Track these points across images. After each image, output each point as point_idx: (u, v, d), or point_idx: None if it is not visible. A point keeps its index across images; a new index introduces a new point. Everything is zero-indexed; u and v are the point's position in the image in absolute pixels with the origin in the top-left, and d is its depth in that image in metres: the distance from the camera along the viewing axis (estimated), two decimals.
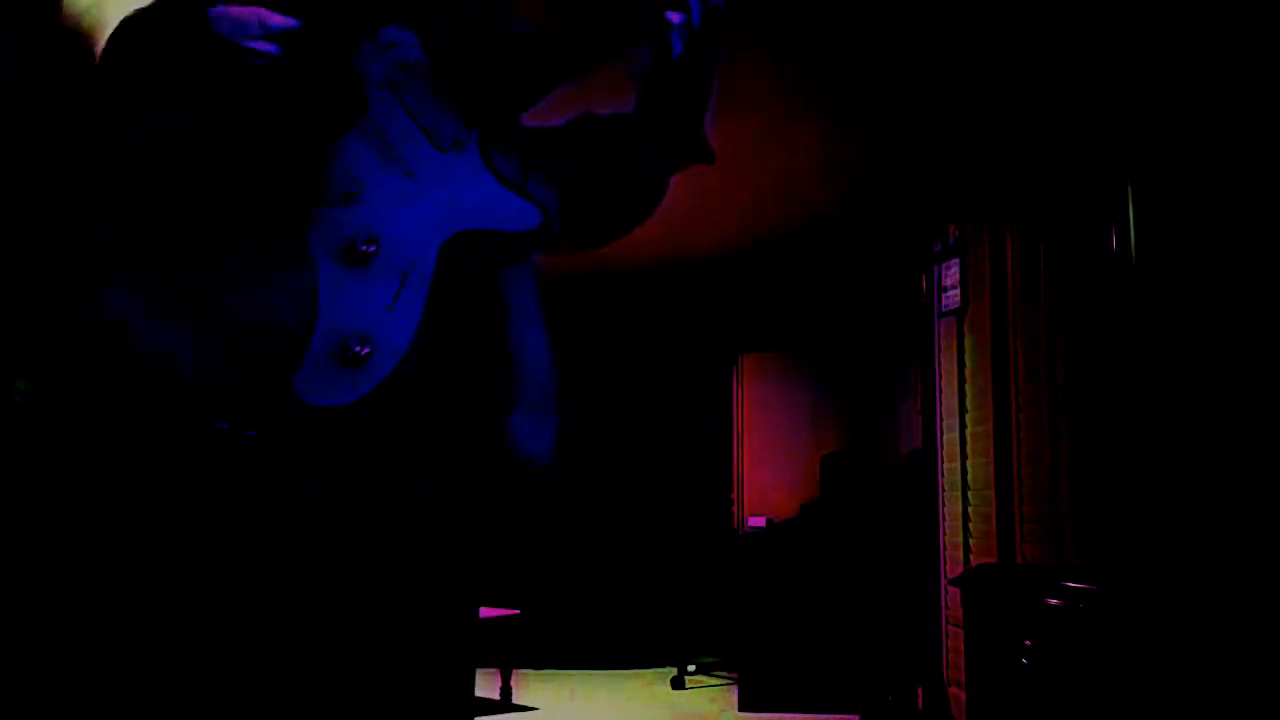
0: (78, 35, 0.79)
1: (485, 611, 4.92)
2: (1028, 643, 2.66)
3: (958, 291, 4.14)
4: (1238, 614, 2.20)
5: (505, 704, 4.98)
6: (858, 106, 3.86)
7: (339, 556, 0.87)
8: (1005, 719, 2.83)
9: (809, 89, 3.73)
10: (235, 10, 0.81)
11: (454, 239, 0.88)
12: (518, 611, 4.98)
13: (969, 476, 3.99)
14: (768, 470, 6.14)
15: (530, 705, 5.10)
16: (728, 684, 5.67)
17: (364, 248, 0.84)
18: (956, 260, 4.17)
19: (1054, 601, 2.54)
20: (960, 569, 3.92)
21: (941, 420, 4.34)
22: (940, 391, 4.36)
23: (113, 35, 0.77)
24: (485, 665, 5.21)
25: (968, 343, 4.08)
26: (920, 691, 4.10)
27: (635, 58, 1.06)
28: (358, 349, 0.81)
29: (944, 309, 4.29)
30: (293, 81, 0.81)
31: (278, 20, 0.82)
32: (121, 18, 0.77)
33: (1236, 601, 2.23)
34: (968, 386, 4.07)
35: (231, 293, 0.80)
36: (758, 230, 5.33)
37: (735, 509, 6.21)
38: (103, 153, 0.79)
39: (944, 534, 4.27)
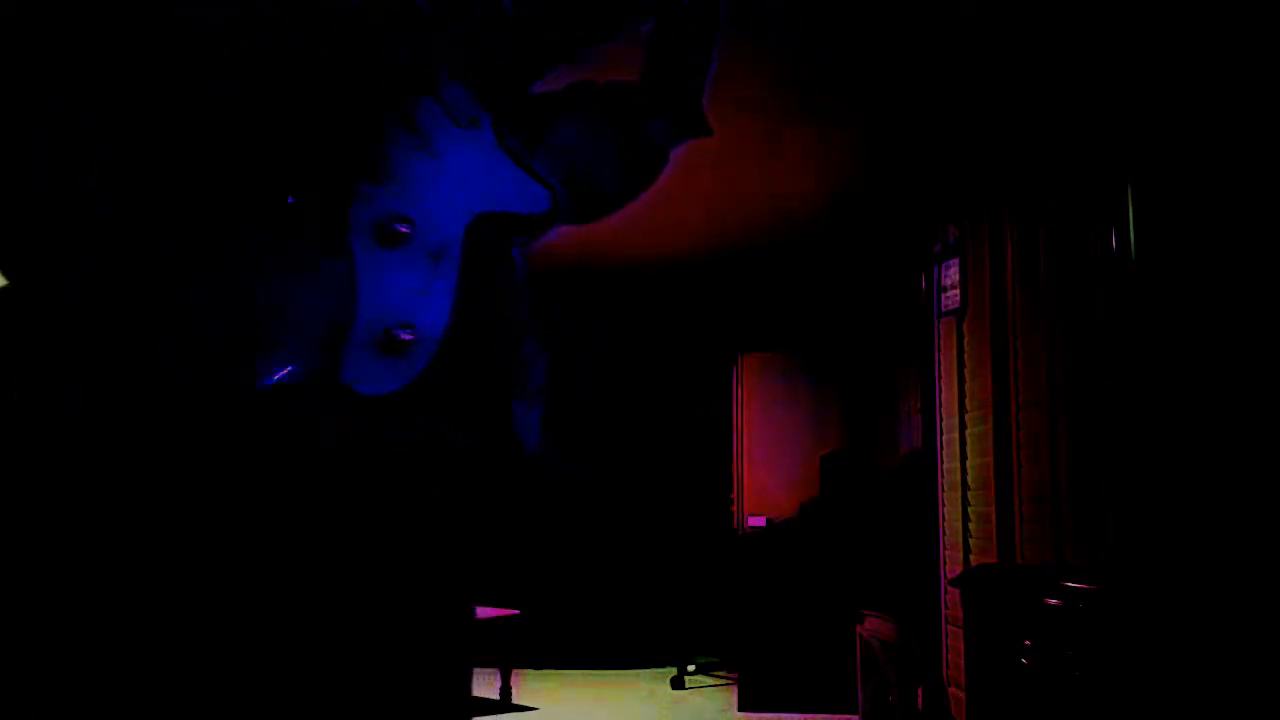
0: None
1: (485, 611, 4.92)
2: (1028, 643, 2.66)
3: (957, 292, 4.14)
4: (1237, 614, 2.20)
5: (505, 704, 4.98)
6: (858, 107, 3.85)
7: (355, 550, 0.86)
8: (1005, 719, 2.83)
9: (809, 89, 3.73)
10: None
11: (476, 221, 0.87)
12: (518, 611, 4.98)
13: (969, 476, 3.99)
14: (768, 470, 6.14)
15: (530, 705, 5.10)
16: (728, 684, 5.67)
17: (398, 228, 0.82)
18: (956, 260, 4.17)
19: (1054, 601, 2.54)
20: (960, 569, 3.92)
21: (941, 420, 4.34)
22: (940, 391, 4.36)
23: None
24: (485, 665, 5.21)
25: (967, 343, 4.08)
26: (920, 691, 4.10)
27: (640, 30, 1.06)
28: (402, 335, 0.80)
29: (944, 309, 4.29)
30: (333, 61, 0.80)
31: None
32: None
33: (1236, 602, 2.23)
34: (967, 386, 4.06)
35: (269, 278, 0.78)
36: (758, 230, 5.33)
37: (735, 509, 6.21)
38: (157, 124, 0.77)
39: (944, 534, 4.27)
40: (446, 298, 0.83)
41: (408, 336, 0.80)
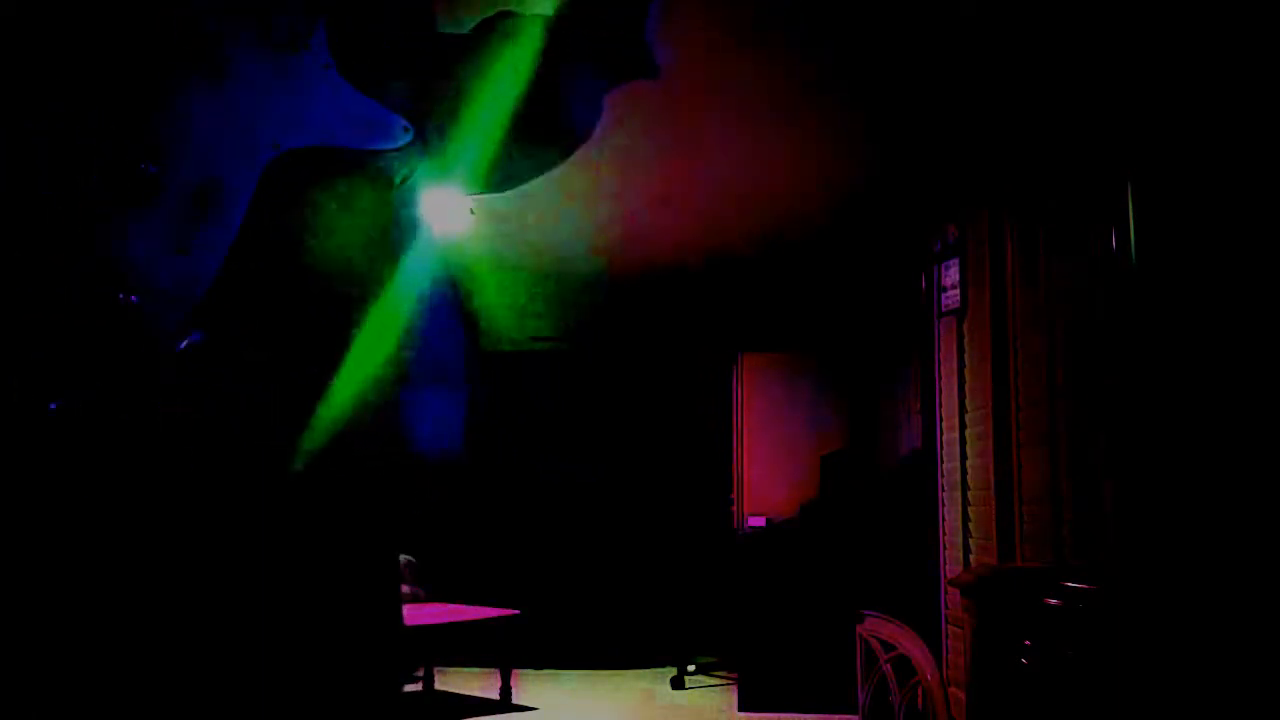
0: None
1: (485, 611, 4.92)
2: (1028, 643, 2.66)
3: (957, 291, 4.14)
4: (1238, 614, 2.20)
5: (505, 704, 4.98)
6: (858, 106, 3.86)
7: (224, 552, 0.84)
8: (1005, 719, 2.83)
9: (810, 89, 3.73)
10: None
11: (286, 158, 0.80)
12: (518, 611, 4.98)
13: (969, 476, 3.99)
14: (768, 470, 6.14)
15: (530, 705, 5.10)
16: (728, 684, 5.68)
17: (147, 167, 0.74)
18: (956, 260, 4.17)
19: (1054, 601, 2.54)
20: (960, 569, 3.92)
21: (941, 420, 4.34)
22: (940, 391, 4.36)
23: None
24: (485, 665, 5.21)
25: (967, 343, 4.08)
26: (920, 691, 4.10)
27: None
28: (130, 300, 0.73)
29: (944, 309, 4.29)
30: None
31: None
32: None
33: (1236, 602, 2.23)
34: (967, 386, 4.06)
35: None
36: (758, 230, 5.33)
37: (735, 509, 6.21)
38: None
39: (944, 534, 4.27)
40: (209, 255, 0.77)
41: (134, 300, 0.75)
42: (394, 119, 0.77)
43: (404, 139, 0.77)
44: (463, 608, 5.08)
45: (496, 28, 1.01)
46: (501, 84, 1.00)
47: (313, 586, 0.76)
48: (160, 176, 0.67)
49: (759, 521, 5.69)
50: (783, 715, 4.86)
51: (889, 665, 4.00)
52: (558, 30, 1.00)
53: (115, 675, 0.70)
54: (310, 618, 0.76)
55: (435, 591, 5.51)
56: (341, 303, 0.82)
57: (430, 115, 0.86)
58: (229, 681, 0.73)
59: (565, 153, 1.07)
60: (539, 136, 1.04)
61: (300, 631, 0.75)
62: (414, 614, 4.70)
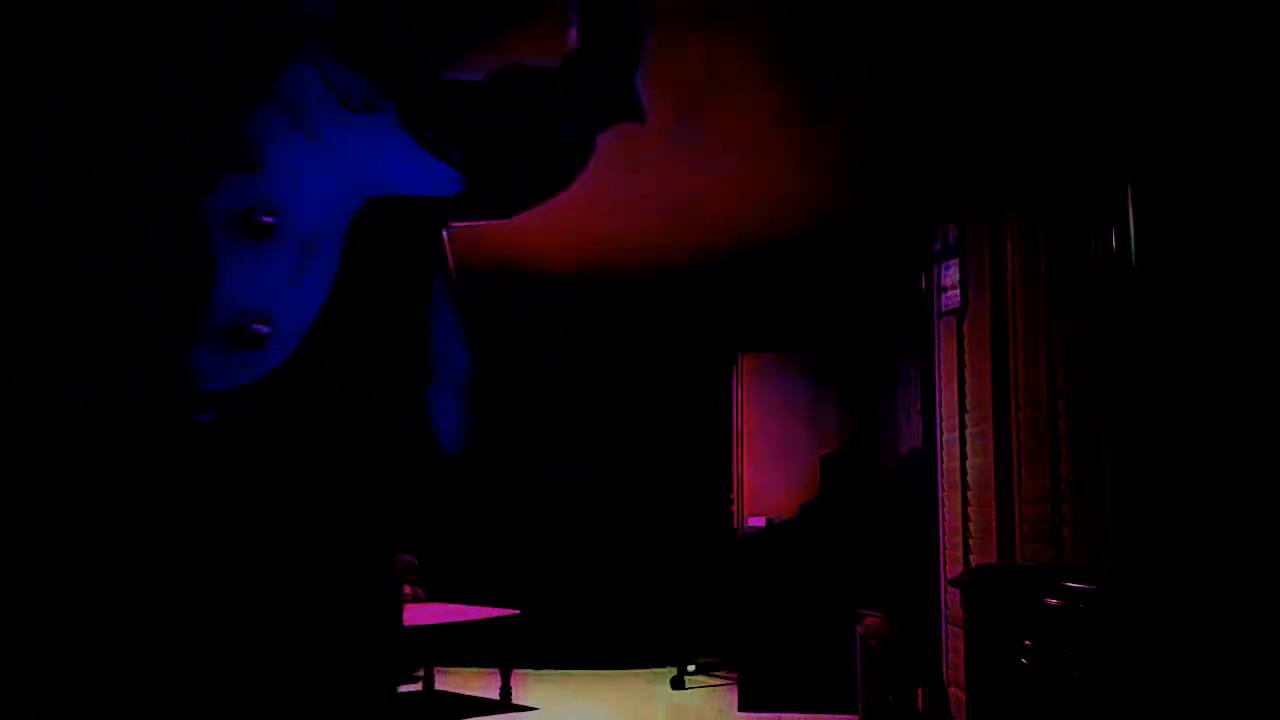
0: None
1: (485, 611, 4.92)
2: (1028, 643, 2.66)
3: (958, 291, 4.14)
4: (1239, 613, 2.20)
5: (505, 704, 4.98)
6: (858, 106, 3.86)
7: (240, 549, 0.82)
8: (1005, 719, 2.83)
9: (809, 89, 3.73)
10: None
11: (368, 206, 0.83)
12: (518, 611, 4.98)
13: (969, 476, 3.99)
14: (768, 470, 6.14)
15: (530, 705, 5.10)
16: (728, 684, 5.68)
17: (264, 218, 0.78)
18: (956, 260, 4.17)
19: (1054, 601, 2.54)
20: (960, 569, 3.92)
21: (941, 420, 4.34)
22: (940, 391, 4.36)
23: None
24: (485, 665, 5.21)
25: (968, 343, 4.08)
26: (920, 691, 4.10)
27: (564, 9, 1.00)
28: (258, 328, 0.76)
29: (944, 309, 4.29)
30: (196, 44, 0.76)
31: None
32: None
33: (1237, 601, 2.23)
34: (967, 386, 4.07)
35: (115, 269, 0.74)
36: (758, 230, 5.33)
37: (735, 509, 6.21)
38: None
39: (944, 534, 4.27)
40: (319, 287, 0.79)
41: (265, 330, 0.76)
42: (450, 172, 0.79)
43: (457, 188, 0.79)
44: (463, 608, 5.08)
45: (511, 79, 1.04)
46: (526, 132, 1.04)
47: (313, 587, 0.76)
48: (276, 225, 0.69)
49: (759, 522, 5.69)
50: (783, 715, 4.86)
51: (889, 665, 4.00)
52: (558, 80, 1.02)
53: (115, 675, 0.70)
54: (310, 618, 0.76)
55: (435, 591, 5.51)
56: (405, 325, 0.85)
57: (475, 168, 0.89)
58: (228, 681, 0.73)
59: (569, 183, 1.09)
60: (550, 175, 1.06)
61: (300, 632, 0.76)
62: (414, 614, 4.70)
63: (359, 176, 0.83)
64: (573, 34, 1.04)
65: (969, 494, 3.98)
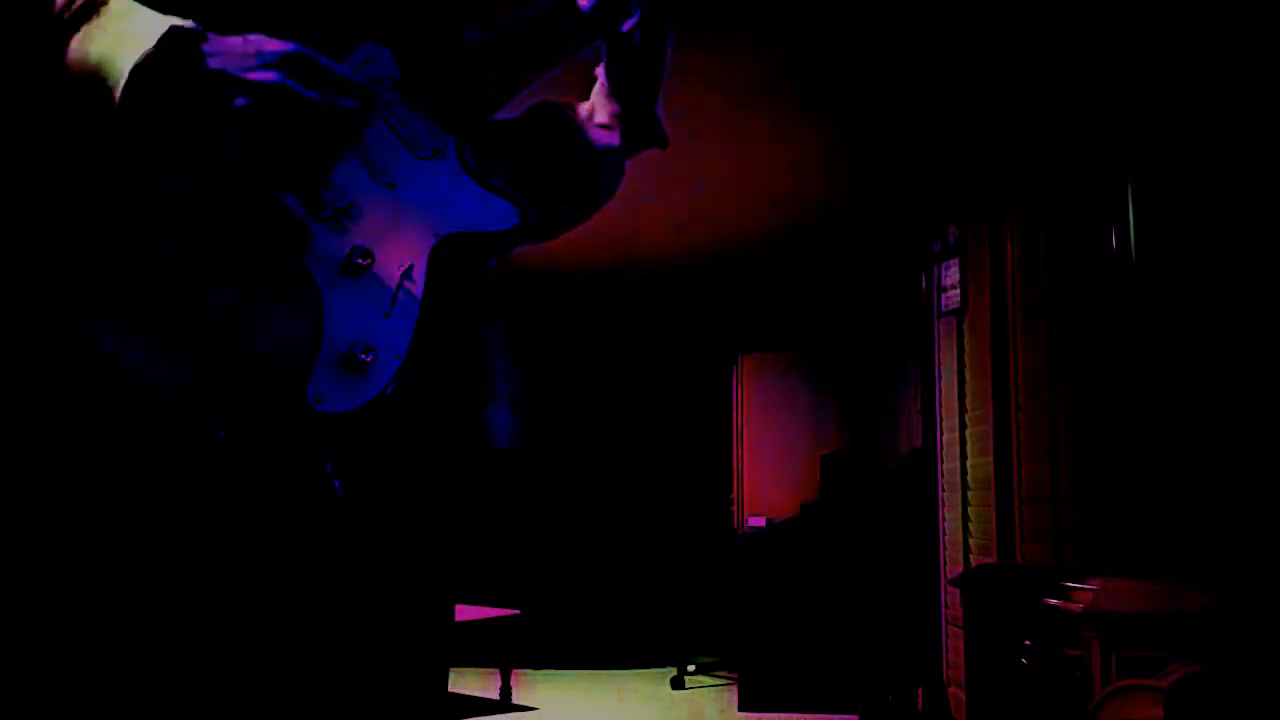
0: (95, 82, 0.79)
1: (485, 611, 4.92)
2: (1028, 643, 2.66)
3: (958, 291, 4.14)
4: (1240, 613, 2.20)
5: (505, 704, 4.98)
6: (858, 106, 3.86)
7: (332, 557, 0.89)
8: (1005, 719, 2.83)
9: (810, 89, 3.73)
10: (229, 41, 0.82)
11: (441, 243, 0.93)
12: (518, 611, 4.98)
13: (969, 476, 3.99)
14: (768, 470, 6.14)
15: (530, 705, 5.10)
16: (728, 684, 5.67)
17: (359, 261, 0.88)
18: (956, 260, 4.17)
19: (1054, 601, 2.54)
20: (960, 569, 3.92)
21: (941, 420, 4.34)
22: (940, 391, 4.36)
23: (127, 84, 0.78)
24: (485, 665, 5.21)
25: (968, 343, 4.08)
26: (920, 691, 4.10)
27: (592, 51, 1.10)
28: (363, 356, 0.86)
29: (944, 309, 4.29)
30: (289, 108, 0.83)
31: (275, 46, 0.82)
32: (132, 64, 0.78)
33: (1238, 600, 2.23)
34: (968, 386, 4.07)
35: (232, 320, 0.83)
36: (758, 230, 5.33)
37: (735, 509, 6.21)
38: (113, 195, 0.81)
39: (944, 534, 4.27)
40: (409, 318, 0.89)
41: (368, 358, 0.86)
42: (508, 206, 0.87)
43: (513, 222, 0.87)
44: (463, 607, 5.08)
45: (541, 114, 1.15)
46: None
47: (312, 587, 0.78)
48: (368, 265, 0.78)
49: (759, 522, 5.69)
50: (783, 715, 4.86)
51: (890, 665, 4.01)
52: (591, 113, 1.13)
53: (115, 675, 0.71)
54: (309, 618, 0.77)
55: None
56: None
57: (527, 201, 0.97)
58: (228, 681, 0.74)
59: (603, 204, 1.21)
60: (588, 200, 1.19)
61: (299, 632, 0.77)
62: None
63: (430, 218, 0.94)
64: (599, 70, 1.15)
65: (969, 494, 3.98)
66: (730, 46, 3.36)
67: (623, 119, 1.16)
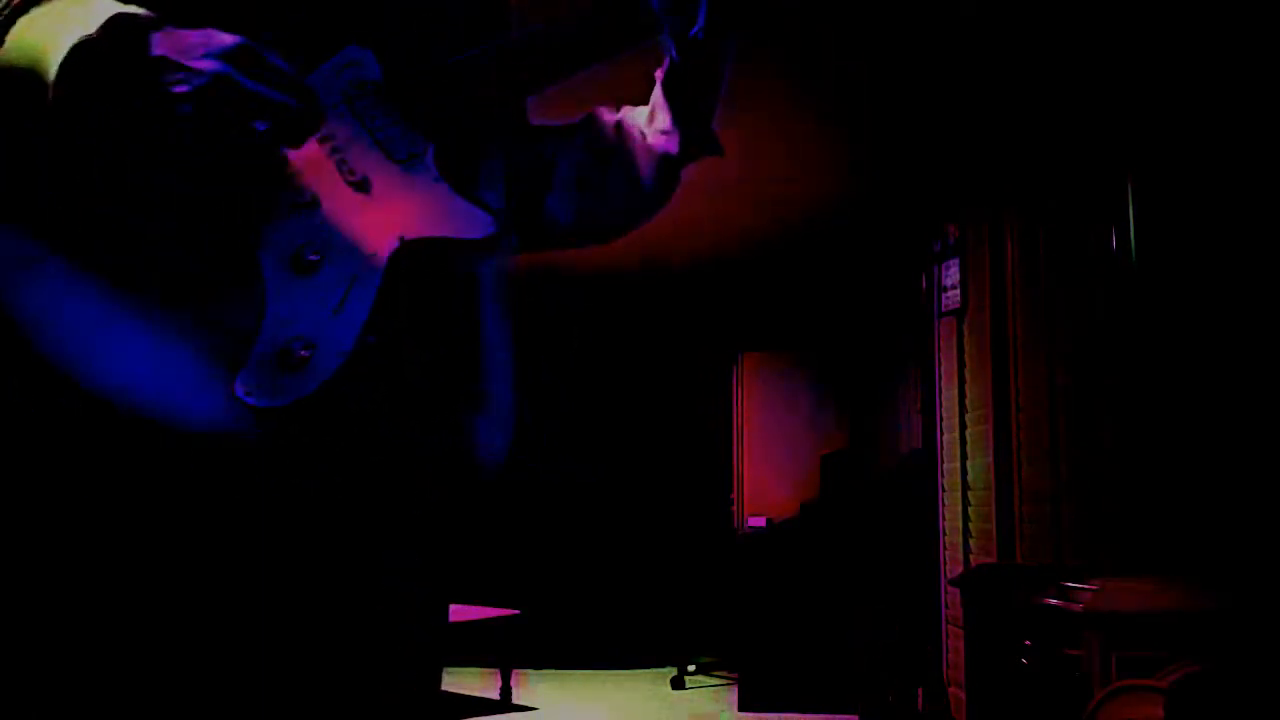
0: (26, 72, 0.78)
1: (485, 611, 4.92)
2: (1028, 643, 2.66)
3: (958, 291, 4.14)
4: (1240, 613, 2.20)
5: (505, 704, 4.98)
6: (858, 106, 3.86)
7: (293, 557, 0.87)
8: (1005, 719, 2.83)
9: (810, 89, 3.73)
10: (184, 32, 0.81)
11: (405, 246, 0.90)
12: (518, 611, 4.98)
13: (969, 476, 3.99)
14: (768, 470, 6.15)
15: (530, 705, 5.10)
16: (728, 684, 5.68)
17: (311, 256, 0.86)
18: (956, 260, 4.17)
19: (1054, 601, 2.54)
20: (960, 569, 3.92)
21: (941, 420, 4.34)
22: (940, 391, 4.36)
23: (62, 67, 0.77)
24: (485, 665, 5.21)
25: (968, 343, 4.08)
26: (920, 691, 4.10)
27: (651, 51, 1.09)
28: (301, 352, 0.83)
29: (944, 309, 4.29)
30: (245, 101, 0.80)
31: (225, 39, 0.81)
32: (68, 48, 0.77)
33: (1238, 600, 2.23)
34: (968, 386, 4.07)
35: (177, 306, 0.81)
36: (758, 230, 5.33)
37: (735, 509, 6.22)
38: (54, 179, 0.80)
39: (944, 534, 4.28)
40: (359, 316, 0.86)
41: (306, 353, 0.83)
42: (483, 215, 0.85)
43: (489, 230, 0.85)
44: (463, 607, 5.08)
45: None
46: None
47: (312, 587, 0.78)
48: (320, 262, 0.76)
49: (759, 521, 5.69)
50: (783, 715, 4.86)
51: (890, 665, 4.01)
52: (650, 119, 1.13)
53: (114, 676, 0.71)
54: (308, 618, 0.77)
55: None
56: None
57: (507, 209, 0.96)
58: (224, 681, 0.74)
59: (659, 210, 1.21)
60: (641, 207, 1.19)
61: (298, 632, 0.77)
62: None
63: (396, 221, 0.91)
64: (659, 74, 1.14)
65: (969, 494, 3.98)
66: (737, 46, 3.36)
67: (681, 126, 1.15)
